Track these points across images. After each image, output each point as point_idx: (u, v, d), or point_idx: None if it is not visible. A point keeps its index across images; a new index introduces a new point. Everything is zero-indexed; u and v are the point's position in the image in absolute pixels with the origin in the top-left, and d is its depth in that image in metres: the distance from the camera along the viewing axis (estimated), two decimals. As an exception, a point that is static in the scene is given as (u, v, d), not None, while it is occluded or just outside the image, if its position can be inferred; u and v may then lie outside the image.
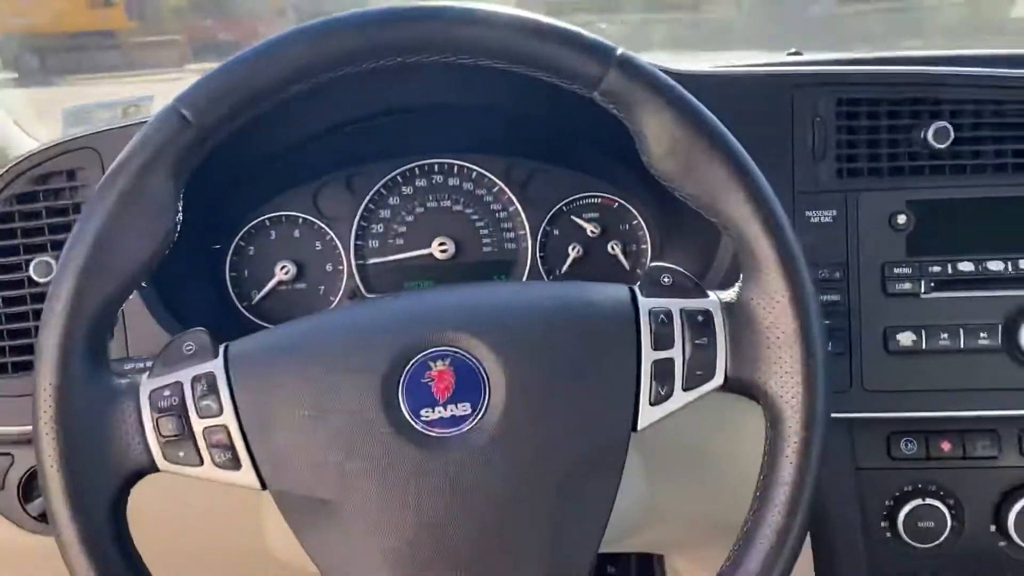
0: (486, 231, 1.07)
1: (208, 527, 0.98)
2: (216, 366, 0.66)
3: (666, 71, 0.87)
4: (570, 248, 1.07)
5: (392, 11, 0.65)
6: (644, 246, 1.07)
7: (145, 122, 0.86)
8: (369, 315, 0.69)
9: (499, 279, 1.07)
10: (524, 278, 1.06)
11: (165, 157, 0.64)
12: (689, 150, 0.66)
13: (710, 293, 0.69)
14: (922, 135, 0.89)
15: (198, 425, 0.64)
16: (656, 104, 0.66)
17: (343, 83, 0.67)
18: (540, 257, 1.07)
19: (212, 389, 0.65)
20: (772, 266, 0.66)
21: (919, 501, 0.93)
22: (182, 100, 0.65)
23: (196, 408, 0.65)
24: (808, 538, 0.97)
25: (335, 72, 0.66)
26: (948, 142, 0.88)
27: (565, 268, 1.07)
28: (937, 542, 0.94)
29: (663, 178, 0.68)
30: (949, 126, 0.88)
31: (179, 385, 0.65)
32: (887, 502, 0.95)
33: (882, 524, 0.95)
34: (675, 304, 0.68)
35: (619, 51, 0.66)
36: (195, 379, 0.65)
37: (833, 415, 0.90)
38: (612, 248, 1.07)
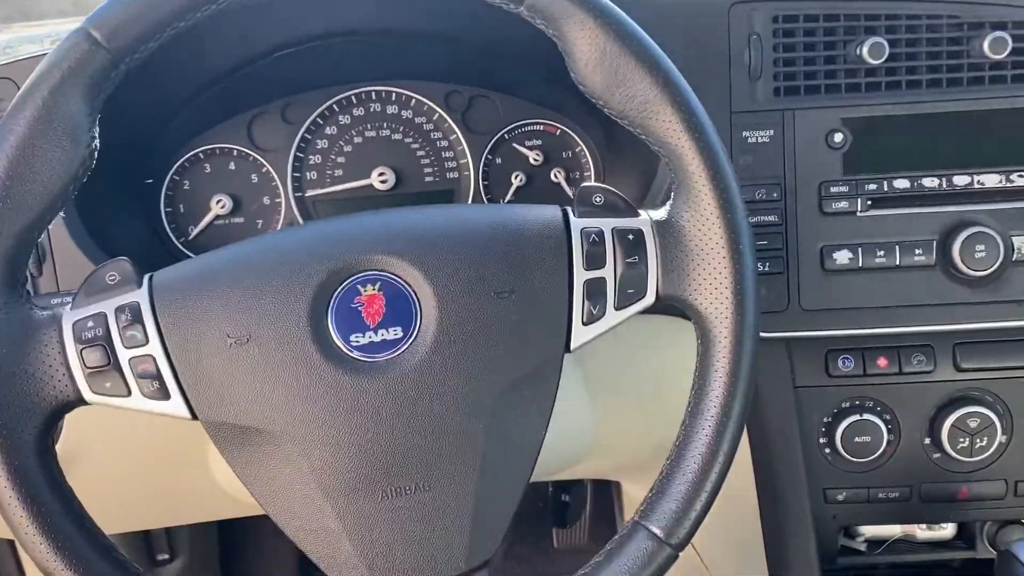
0: (427, 160, 1.05)
1: (154, 462, 0.98)
2: (140, 295, 0.65)
3: (597, -13, 0.86)
4: (513, 176, 1.06)
5: None
6: (587, 173, 1.06)
7: (62, 49, 0.83)
8: (296, 240, 0.68)
9: None
10: (468, 208, 1.05)
11: (76, 80, 0.62)
12: (617, 64, 0.65)
13: (641, 212, 0.69)
14: (857, 51, 0.88)
15: (124, 355, 0.63)
16: (582, 17, 0.65)
17: (272, 7, 0.65)
18: (483, 186, 1.06)
19: (137, 318, 0.64)
20: (702, 182, 0.66)
21: (856, 416, 0.95)
22: (92, 21, 0.62)
23: (121, 338, 0.63)
24: (749, 455, 0.99)
25: None
26: (883, 58, 0.88)
27: (509, 197, 1.06)
28: (874, 456, 0.96)
29: (592, 94, 0.67)
30: (884, 41, 0.88)
31: (103, 315, 0.64)
32: (825, 418, 0.97)
33: (821, 440, 0.97)
34: (607, 223, 0.68)
35: None
36: (119, 309, 0.64)
37: (771, 335, 0.92)
38: (555, 176, 1.06)
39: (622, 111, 0.67)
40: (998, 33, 0.88)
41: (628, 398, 0.99)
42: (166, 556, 1.49)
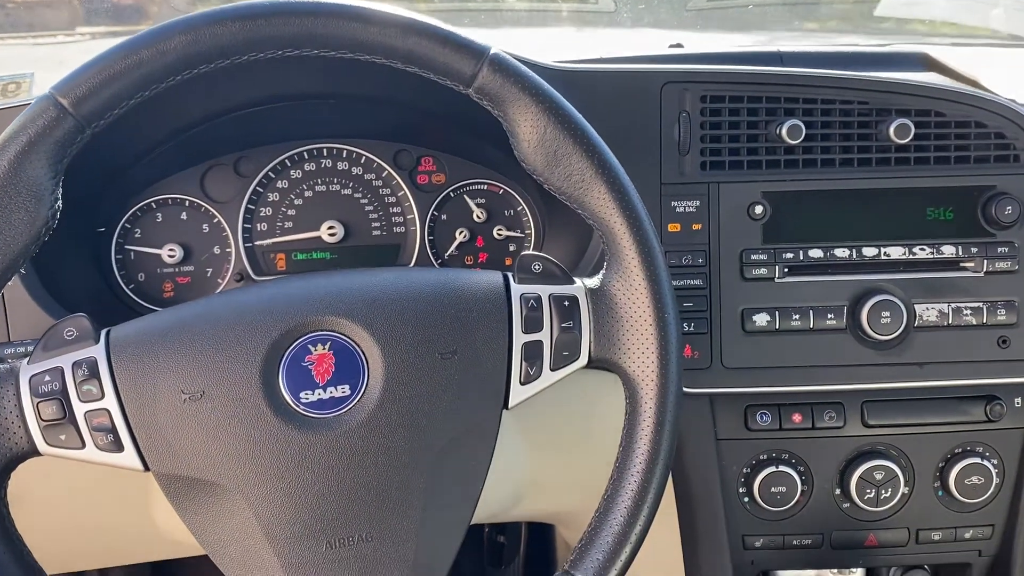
0: (375, 215, 1.10)
1: (95, 507, 0.99)
2: (97, 351, 0.68)
3: (540, 67, 0.92)
4: (457, 232, 1.10)
5: (271, 5, 0.67)
6: (528, 231, 1.12)
7: (23, 105, 0.86)
8: (249, 299, 0.71)
9: (388, 262, 1.10)
10: (413, 261, 1.10)
11: (42, 147, 0.65)
12: (556, 146, 0.71)
13: (576, 280, 0.75)
14: (777, 131, 0.96)
15: (79, 409, 0.66)
16: (525, 102, 0.70)
17: (229, 71, 0.69)
18: (429, 240, 1.10)
19: (93, 373, 0.66)
20: (631, 256, 0.72)
21: (773, 468, 1.01)
22: (60, 89, 0.65)
23: (77, 392, 0.66)
24: (674, 502, 1.05)
25: (215, 64, 0.67)
26: (800, 138, 0.95)
27: (451, 250, 1.11)
28: (789, 505, 1.02)
29: (532, 172, 0.73)
30: (801, 124, 0.95)
31: (59, 370, 0.67)
32: (744, 469, 1.03)
33: (740, 490, 1.03)
34: (544, 290, 0.73)
35: (492, 51, 0.70)
36: (76, 364, 0.67)
37: (695, 390, 0.98)
38: (498, 233, 1.11)
39: (560, 187, 0.73)
40: (902, 120, 0.96)
41: (560, 447, 1.04)
42: (98, 597, 1.48)
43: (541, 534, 1.63)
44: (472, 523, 0.75)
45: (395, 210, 1.10)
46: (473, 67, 0.70)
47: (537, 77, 0.71)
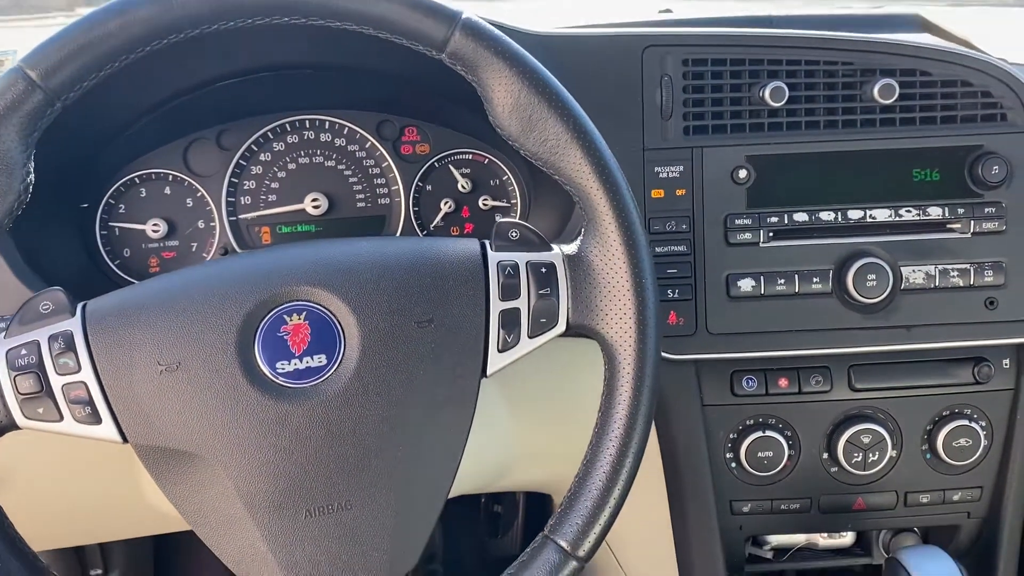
0: (359, 187, 1.09)
1: (85, 479, 0.99)
2: (74, 324, 0.68)
3: (516, 32, 0.91)
4: (442, 203, 1.10)
5: None
6: (514, 201, 1.11)
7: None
8: (225, 270, 0.71)
9: (373, 234, 1.10)
10: (398, 232, 1.09)
11: (11, 120, 0.65)
12: (530, 110, 0.70)
13: (554, 246, 0.74)
14: (761, 94, 0.94)
15: (57, 381, 0.66)
16: (498, 66, 0.70)
17: (207, 42, 0.69)
18: (414, 212, 1.10)
19: (69, 346, 0.67)
20: (608, 220, 0.71)
21: (760, 433, 1.01)
22: (28, 61, 0.65)
23: (54, 365, 0.66)
24: (661, 468, 1.05)
25: (185, 34, 0.67)
26: (784, 100, 0.94)
27: (437, 221, 1.10)
28: (776, 470, 1.02)
29: (508, 137, 0.72)
30: (784, 86, 0.94)
31: (36, 344, 0.67)
32: (731, 435, 1.03)
33: (727, 455, 1.03)
34: (521, 257, 0.73)
35: (464, 15, 0.69)
36: (52, 337, 0.67)
37: (680, 357, 0.98)
38: (483, 203, 1.11)
39: (536, 153, 0.72)
40: (887, 80, 0.95)
41: (547, 416, 1.04)
42: (99, 571, 1.49)
43: (539, 504, 1.64)
44: (465, 493, 0.75)
45: (379, 181, 1.09)
46: (445, 32, 0.69)
47: (510, 40, 0.71)
